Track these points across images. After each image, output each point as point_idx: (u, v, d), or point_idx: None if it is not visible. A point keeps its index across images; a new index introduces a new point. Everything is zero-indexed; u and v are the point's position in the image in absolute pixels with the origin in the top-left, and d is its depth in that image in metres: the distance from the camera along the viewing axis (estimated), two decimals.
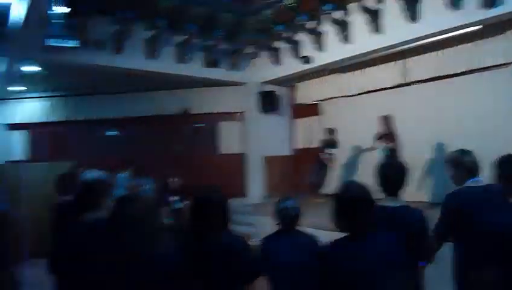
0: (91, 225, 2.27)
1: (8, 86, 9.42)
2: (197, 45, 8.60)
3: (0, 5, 5.42)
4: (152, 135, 10.60)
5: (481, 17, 5.66)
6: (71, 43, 5.30)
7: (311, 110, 10.00)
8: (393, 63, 8.01)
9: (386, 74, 8.17)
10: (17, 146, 11.05)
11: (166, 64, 8.28)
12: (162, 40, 8.05)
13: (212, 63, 8.82)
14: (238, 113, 10.35)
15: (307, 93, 9.92)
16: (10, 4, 5.32)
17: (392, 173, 2.48)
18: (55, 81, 9.72)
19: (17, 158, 10.40)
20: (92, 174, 2.66)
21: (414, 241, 2.24)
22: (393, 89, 8.18)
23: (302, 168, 9.03)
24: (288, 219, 2.77)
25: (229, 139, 10.45)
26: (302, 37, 8.31)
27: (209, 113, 10.47)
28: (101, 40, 7.22)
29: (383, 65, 8.20)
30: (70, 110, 10.89)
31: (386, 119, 7.35)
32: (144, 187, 7.52)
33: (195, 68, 8.68)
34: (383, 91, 8.36)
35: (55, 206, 3.81)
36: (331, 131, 8.46)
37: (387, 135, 7.24)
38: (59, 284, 2.53)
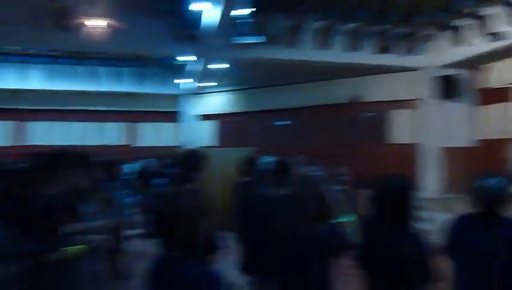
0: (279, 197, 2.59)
1: (202, 82, 11.08)
2: (369, 32, 8.43)
3: (194, 12, 6.42)
4: (322, 124, 10.92)
5: None
6: (255, 39, 5.88)
7: (502, 95, 8.61)
8: None
9: None
10: (208, 134, 12.92)
11: (337, 53, 8.40)
12: (333, 30, 8.18)
13: (385, 49, 8.51)
14: (412, 101, 9.70)
15: (497, 75, 8.57)
16: (202, 11, 6.25)
17: None
18: (239, 76, 10.94)
19: (207, 144, 12.13)
20: (268, 159, 3.04)
21: None
22: None
23: (489, 162, 7.91)
24: (487, 200, 2.18)
25: (401, 129, 9.92)
26: (490, 11, 7.24)
27: (380, 102, 10.13)
28: (277, 35, 7.77)
29: None
30: (251, 102, 12.12)
31: None
32: (315, 173, 7.92)
33: (366, 55, 8.56)
34: None
35: (238, 186, 4.34)
36: None
37: None
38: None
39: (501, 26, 7.09)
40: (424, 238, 2.09)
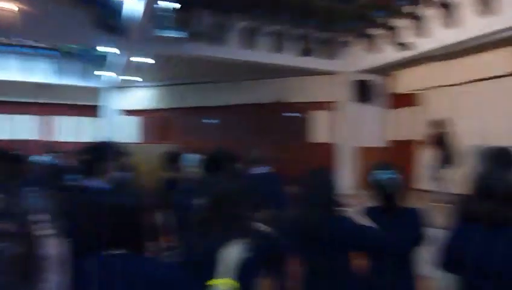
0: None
1: (125, 76, 10.67)
2: (293, 35, 8.75)
3: (116, 1, 6.17)
4: (246, 123, 11.12)
5: None
6: (178, 34, 5.81)
7: (409, 100, 9.49)
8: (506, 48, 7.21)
9: (497, 60, 7.40)
10: (131, 129, 12.48)
11: (262, 53, 8.58)
12: (259, 31, 8.35)
13: (307, 52, 8.88)
14: (331, 103, 10.28)
15: (406, 82, 9.42)
16: (123, 1, 6.03)
17: None
18: (164, 72, 10.71)
19: (130, 140, 11.73)
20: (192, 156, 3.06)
21: None
22: (505, 78, 7.38)
23: (397, 161, 8.62)
24: (382, 193, 2.26)
25: (320, 129, 10.46)
26: (400, 23, 7.93)
27: (301, 103, 10.59)
28: (203, 32, 7.74)
29: (493, 51, 7.43)
30: (176, 98, 11.94)
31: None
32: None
33: (289, 57, 8.85)
34: (492, 80, 7.58)
35: (161, 180, 4.34)
36: (439, 124, 7.31)
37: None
38: None
39: (409, 38, 7.78)
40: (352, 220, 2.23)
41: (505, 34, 6.55)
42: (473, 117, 7.84)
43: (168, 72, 10.85)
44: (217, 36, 7.96)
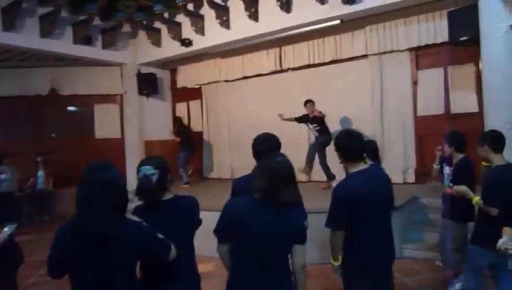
0: None
1: None
2: (66, 19, 7.89)
3: None
4: (20, 117, 9.48)
5: (342, 12, 6.33)
6: None
7: (192, 94, 9.98)
8: (271, 50, 8.42)
9: (264, 60, 8.57)
10: None
11: (29, 38, 7.40)
12: (23, 11, 7.17)
13: (85, 40, 8.18)
14: (116, 96, 9.83)
15: (188, 76, 9.83)
16: None
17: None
18: None
19: None
20: None
21: None
22: (270, 75, 8.61)
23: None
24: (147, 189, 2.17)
25: (106, 123, 9.87)
26: (183, 19, 8.23)
27: (84, 95, 9.70)
28: None
29: (261, 52, 8.56)
30: None
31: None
32: None
33: (64, 45, 7.96)
34: (261, 76, 8.74)
35: None
36: (178, 119, 9.33)
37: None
38: None
39: (190, 34, 8.14)
40: None
41: (268, 38, 7.61)
42: (243, 109, 8.90)
43: None
44: None
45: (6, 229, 2.92)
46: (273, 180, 2.03)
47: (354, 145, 2.64)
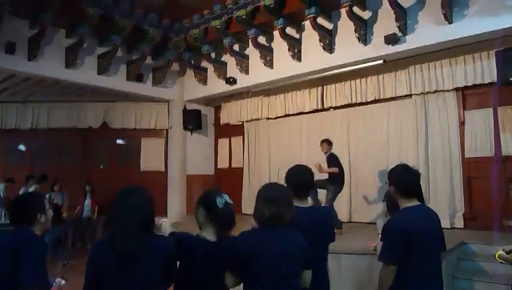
0: None
1: None
2: (122, 58, 8.46)
3: None
4: (70, 148, 10.10)
5: (385, 52, 6.35)
6: None
7: (234, 130, 10.18)
8: (313, 89, 8.52)
9: (306, 99, 8.66)
10: None
11: (86, 74, 7.97)
12: (84, 49, 7.78)
13: (137, 78, 8.68)
14: (161, 131, 10.22)
15: (232, 113, 10.09)
16: None
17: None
18: None
19: None
20: None
21: None
22: (312, 114, 8.66)
23: (224, 188, 9.04)
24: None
25: (151, 156, 10.23)
26: (229, 59, 8.58)
27: (131, 129, 10.19)
28: (14, 43, 6.77)
29: (303, 91, 8.68)
30: None
31: None
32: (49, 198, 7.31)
33: (117, 81, 8.48)
34: (302, 115, 8.81)
35: None
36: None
37: None
38: None
39: (235, 73, 8.43)
40: None
41: (310, 77, 7.74)
42: (284, 146, 8.94)
43: None
44: (33, 50, 7.08)
45: (63, 282, 3.09)
46: (278, 204, 2.16)
47: (412, 179, 2.57)
